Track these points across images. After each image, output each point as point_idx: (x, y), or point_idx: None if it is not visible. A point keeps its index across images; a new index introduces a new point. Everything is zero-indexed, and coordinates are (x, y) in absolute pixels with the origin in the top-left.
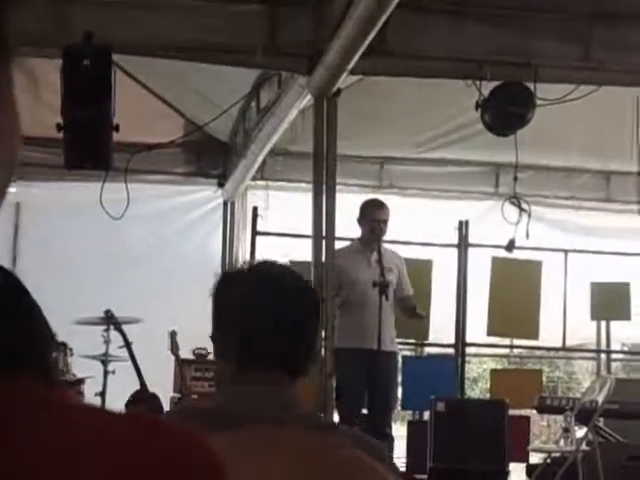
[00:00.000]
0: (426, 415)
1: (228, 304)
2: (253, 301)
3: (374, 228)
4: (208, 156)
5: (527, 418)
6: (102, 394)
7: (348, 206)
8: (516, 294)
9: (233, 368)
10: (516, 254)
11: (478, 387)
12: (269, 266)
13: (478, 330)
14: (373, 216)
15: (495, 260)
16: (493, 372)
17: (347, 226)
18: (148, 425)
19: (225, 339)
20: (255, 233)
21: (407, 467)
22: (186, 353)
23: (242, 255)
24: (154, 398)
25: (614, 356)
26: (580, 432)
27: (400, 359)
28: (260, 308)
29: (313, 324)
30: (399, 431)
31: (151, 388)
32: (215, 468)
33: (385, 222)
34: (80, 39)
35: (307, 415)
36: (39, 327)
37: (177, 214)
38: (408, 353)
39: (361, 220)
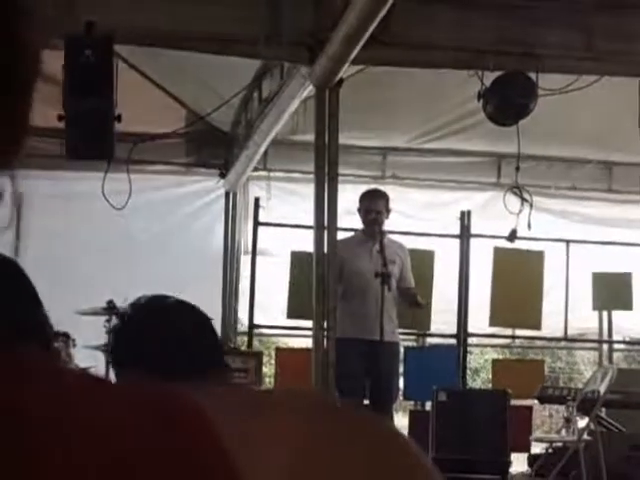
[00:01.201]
0: (428, 405)
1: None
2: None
3: (366, 218)
4: (210, 146)
5: (529, 408)
6: None
7: (351, 197)
8: (518, 284)
9: None
10: (518, 244)
11: (480, 378)
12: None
13: (480, 320)
14: (365, 206)
15: (497, 250)
16: (495, 362)
17: (349, 216)
18: (141, 387)
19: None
20: (257, 223)
21: None
22: None
23: (244, 245)
24: None
25: (616, 346)
26: (582, 422)
27: (402, 349)
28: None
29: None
30: (401, 421)
31: None
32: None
33: (378, 212)
34: (82, 29)
35: None
36: (39, 310)
37: (179, 204)
38: (410, 344)
39: (358, 210)
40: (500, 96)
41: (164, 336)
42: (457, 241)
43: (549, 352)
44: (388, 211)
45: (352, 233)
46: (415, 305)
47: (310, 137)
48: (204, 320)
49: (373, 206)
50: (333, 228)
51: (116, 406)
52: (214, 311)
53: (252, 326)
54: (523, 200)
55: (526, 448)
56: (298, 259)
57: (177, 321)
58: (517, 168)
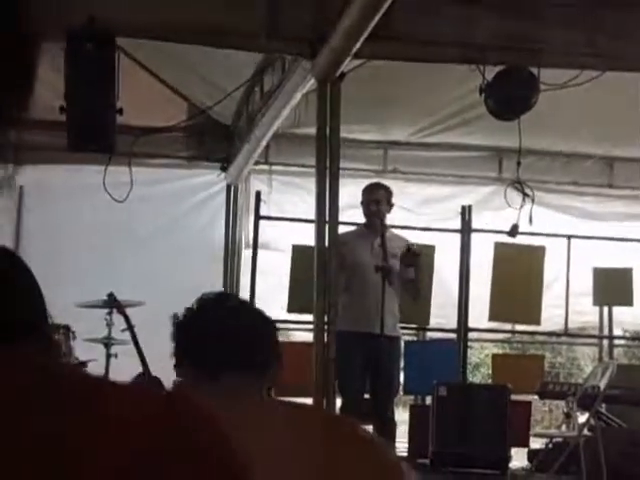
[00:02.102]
0: (428, 400)
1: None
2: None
3: (366, 209)
4: (211, 140)
5: (529, 403)
6: None
7: (353, 191)
8: (518, 280)
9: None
10: (519, 239)
11: (480, 373)
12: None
13: (480, 315)
14: (366, 198)
15: (498, 245)
16: (495, 357)
17: (350, 210)
18: (138, 387)
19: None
20: (258, 217)
21: (409, 451)
22: None
23: (245, 239)
24: (156, 382)
25: (616, 342)
26: (582, 418)
27: (402, 344)
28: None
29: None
30: (401, 416)
31: (154, 372)
32: (206, 421)
33: (377, 202)
34: (83, 22)
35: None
36: (40, 302)
37: (180, 198)
38: (410, 338)
39: (361, 204)
40: (502, 91)
41: (233, 333)
42: (458, 236)
43: (549, 347)
44: (390, 204)
45: (354, 227)
46: (415, 291)
47: (312, 131)
48: (270, 322)
49: (372, 197)
50: (334, 222)
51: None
52: None
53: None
54: (524, 195)
55: (526, 443)
56: (299, 253)
57: (246, 319)
58: (518, 163)
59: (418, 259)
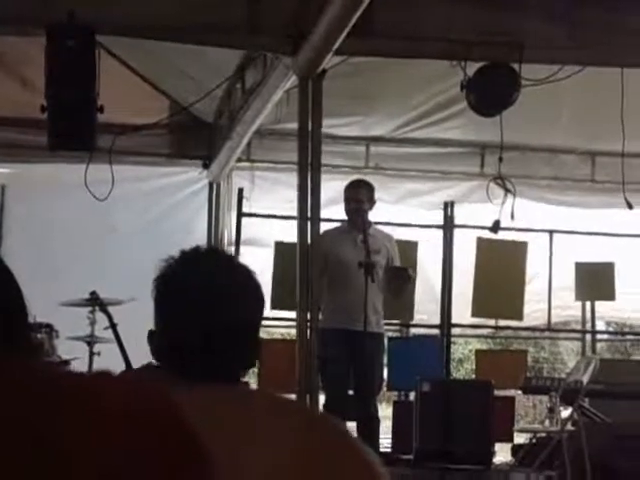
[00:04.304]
0: (412, 396)
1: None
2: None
3: (347, 207)
4: (193, 137)
5: (512, 398)
6: None
7: (335, 187)
8: (501, 275)
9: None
10: (501, 234)
11: (464, 368)
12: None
13: (464, 311)
14: (347, 195)
15: (480, 241)
16: (478, 353)
17: (333, 207)
18: (120, 379)
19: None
20: (240, 214)
21: (392, 447)
22: None
23: (228, 236)
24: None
25: (599, 336)
26: (565, 412)
27: (386, 340)
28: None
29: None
30: (385, 412)
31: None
32: (174, 417)
33: (358, 201)
34: (63, 19)
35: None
36: (19, 300)
37: (162, 195)
38: (393, 334)
39: (344, 201)
40: (483, 86)
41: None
42: (440, 231)
43: (532, 342)
44: (372, 201)
45: (337, 224)
46: (405, 279)
47: (293, 127)
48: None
49: (353, 195)
50: (316, 218)
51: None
52: None
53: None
54: (506, 190)
55: (509, 438)
56: (282, 249)
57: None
58: (500, 158)
59: (404, 276)
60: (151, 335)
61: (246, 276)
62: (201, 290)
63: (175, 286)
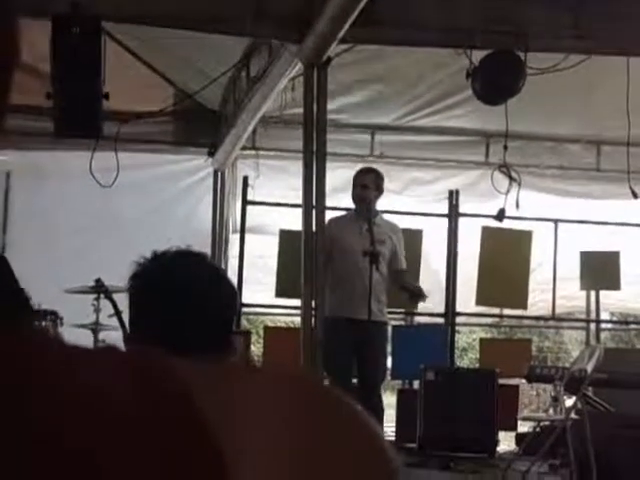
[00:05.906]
0: (416, 384)
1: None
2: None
3: (353, 192)
4: (198, 125)
5: (516, 387)
6: None
7: (340, 175)
8: (505, 264)
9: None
10: (506, 223)
11: (468, 357)
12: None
13: (468, 299)
14: (355, 182)
15: (485, 230)
16: (483, 341)
17: (339, 194)
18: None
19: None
20: (245, 202)
21: (397, 436)
22: None
23: (232, 224)
24: None
25: (603, 326)
26: (569, 401)
27: (390, 329)
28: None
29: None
30: (389, 400)
31: None
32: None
33: (363, 186)
34: (67, 8)
35: None
36: (18, 288)
37: (167, 183)
38: (397, 322)
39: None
40: (488, 75)
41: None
42: (445, 220)
43: (537, 331)
44: (379, 189)
45: (341, 212)
46: (415, 297)
47: (299, 115)
48: (218, 270)
49: (360, 180)
50: (321, 206)
51: (102, 374)
52: None
53: (240, 305)
54: (511, 179)
55: (513, 427)
56: (287, 237)
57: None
58: (505, 147)
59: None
60: (127, 340)
61: (218, 275)
62: (174, 289)
63: (148, 285)
